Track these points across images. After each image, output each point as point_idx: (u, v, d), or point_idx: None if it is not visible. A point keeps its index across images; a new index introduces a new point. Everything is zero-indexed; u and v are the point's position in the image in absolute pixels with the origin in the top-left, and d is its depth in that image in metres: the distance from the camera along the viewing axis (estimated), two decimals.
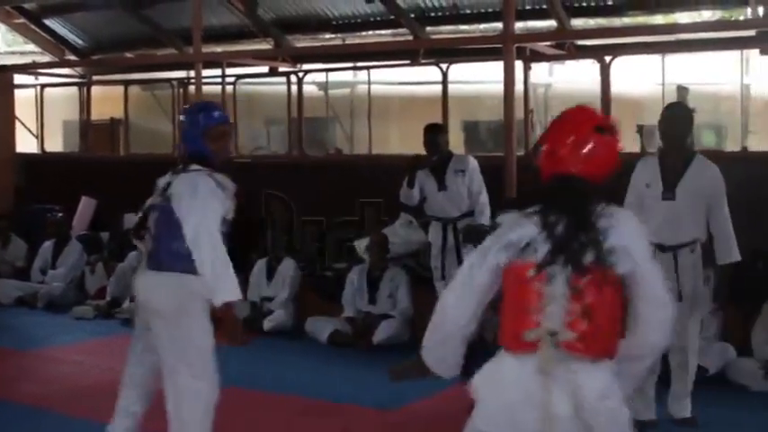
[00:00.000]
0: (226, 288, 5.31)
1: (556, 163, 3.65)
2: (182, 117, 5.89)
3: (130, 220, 13.04)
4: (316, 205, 11.92)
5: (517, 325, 3.58)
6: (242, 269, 11.48)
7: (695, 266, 6.84)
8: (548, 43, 11.83)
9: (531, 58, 11.52)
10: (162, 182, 5.64)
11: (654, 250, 6.24)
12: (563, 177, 3.63)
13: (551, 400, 3.44)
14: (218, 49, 14.54)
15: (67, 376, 8.15)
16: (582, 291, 3.47)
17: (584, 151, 3.61)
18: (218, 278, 5.28)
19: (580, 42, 12.38)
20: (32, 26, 16.60)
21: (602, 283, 3.47)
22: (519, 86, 10.54)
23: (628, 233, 3.54)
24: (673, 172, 6.84)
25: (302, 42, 14.57)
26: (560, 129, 3.74)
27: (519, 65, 10.60)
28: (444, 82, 11.85)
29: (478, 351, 8.52)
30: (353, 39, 14.29)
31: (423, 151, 9.13)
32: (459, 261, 8.97)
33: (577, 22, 12.18)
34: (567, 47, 12.15)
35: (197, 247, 5.27)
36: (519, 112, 10.68)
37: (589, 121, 3.70)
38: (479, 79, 13.98)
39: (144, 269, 5.61)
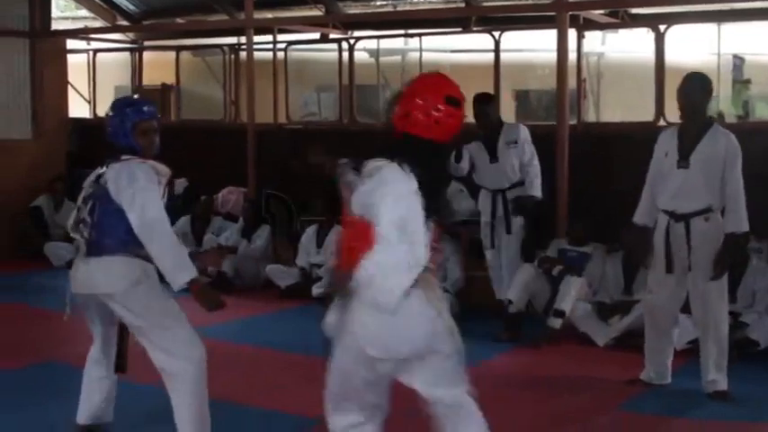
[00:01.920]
0: (185, 270, 5.33)
1: (408, 124, 4.18)
2: (110, 112, 5.83)
3: (181, 185, 13.21)
4: None
5: None
6: (292, 236, 11.55)
7: (708, 235, 6.78)
8: (601, 11, 11.69)
9: (585, 26, 11.39)
10: (93, 174, 5.63)
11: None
12: (413, 137, 4.19)
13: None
14: (269, 15, 14.52)
15: None
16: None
17: (433, 119, 4.15)
18: (176, 264, 5.32)
19: (634, 11, 12.21)
20: None
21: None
22: (571, 55, 10.44)
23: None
24: (689, 141, 6.83)
25: (353, 9, 14.52)
26: (416, 93, 4.22)
27: (572, 33, 10.48)
28: (496, 50, 11.76)
29: (524, 318, 8.54)
30: (405, 5, 14.23)
31: (473, 120, 9.08)
32: (508, 231, 8.97)
33: None
34: (620, 15, 11.99)
35: (150, 238, 5.30)
36: (571, 82, 10.59)
37: (442, 89, 4.21)
38: (531, 47, 13.87)
39: (83, 258, 5.55)
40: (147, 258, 5.40)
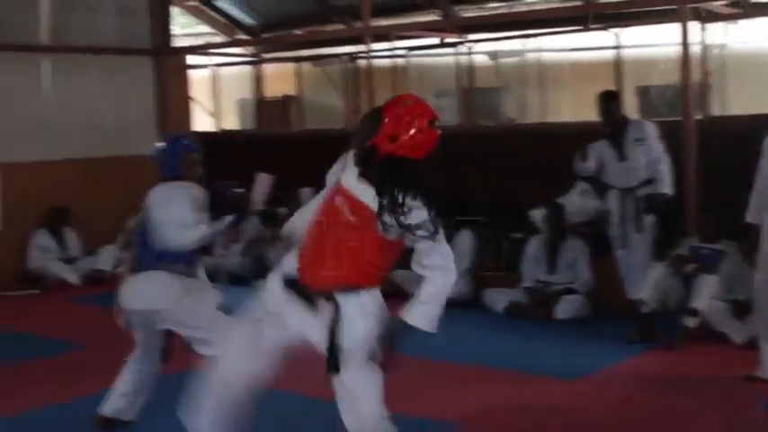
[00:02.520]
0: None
1: (396, 147, 4.38)
2: (160, 146, 6.53)
3: (307, 194, 13.33)
4: (489, 175, 11.86)
5: None
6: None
7: None
8: (723, 2, 11.49)
9: (706, 18, 11.21)
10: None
11: None
12: (397, 158, 4.39)
13: None
14: (387, 22, 14.59)
15: None
16: None
17: (418, 141, 4.40)
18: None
19: (756, 0, 11.98)
20: (204, 8, 16.98)
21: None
22: (694, 49, 10.27)
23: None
24: None
25: (470, 12, 14.51)
26: (402, 117, 4.41)
27: (694, 26, 10.32)
28: (617, 47, 11.63)
29: (657, 318, 8.42)
30: (521, 6, 14.16)
31: (595, 118, 9.01)
32: (639, 230, 8.85)
33: None
34: (742, 5, 11.77)
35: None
36: (695, 75, 10.42)
37: (425, 115, 4.44)
38: (651, 42, 13.68)
39: (129, 276, 6.15)
40: (188, 274, 6.01)
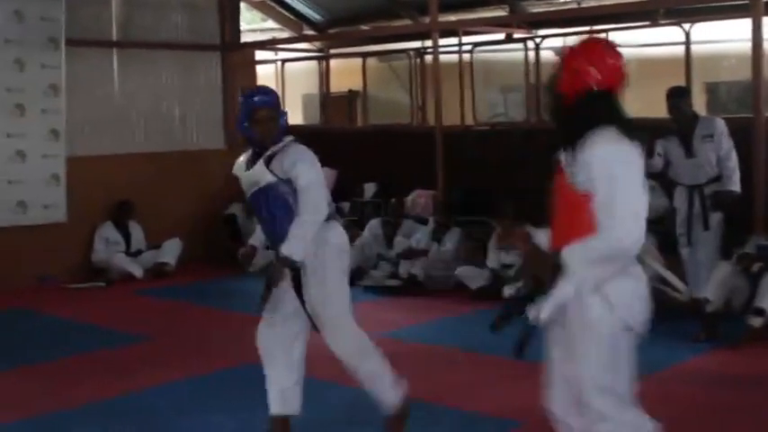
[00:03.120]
0: None
1: (579, 81, 4.09)
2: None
3: (370, 189, 13.35)
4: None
5: None
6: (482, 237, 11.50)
7: None
8: None
9: None
10: None
11: None
12: (590, 91, 4.09)
13: None
14: (454, 17, 14.53)
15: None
16: None
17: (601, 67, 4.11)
18: None
19: None
20: (271, 3, 17.04)
21: None
22: (766, 45, 10.08)
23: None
24: None
25: (538, 7, 14.42)
26: (575, 54, 4.14)
27: (766, 21, 10.13)
28: (687, 42, 11.47)
29: (722, 318, 8.24)
30: (590, 2, 14.04)
31: (663, 114, 8.88)
32: (706, 228, 8.71)
33: None
34: None
35: None
36: (766, 72, 10.23)
37: (598, 43, 4.31)
38: (721, 38, 13.48)
39: None
40: None
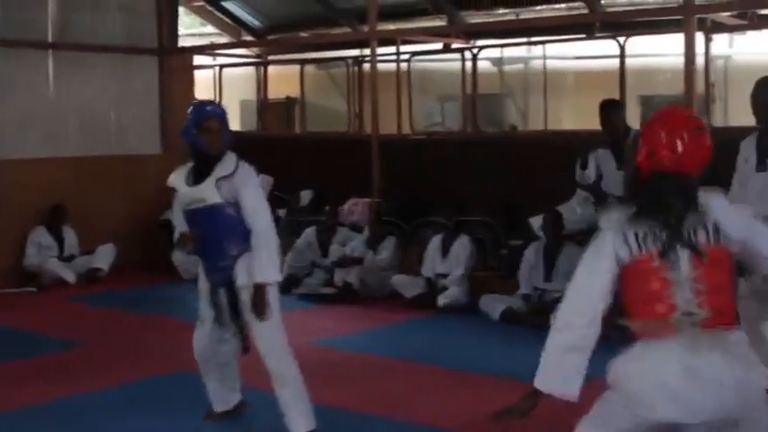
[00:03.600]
0: None
1: (653, 163, 3.87)
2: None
3: (306, 196, 13.34)
4: (490, 181, 11.84)
5: (650, 313, 3.76)
6: (417, 245, 11.53)
7: None
8: (729, 13, 11.47)
9: (712, 29, 11.18)
10: None
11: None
12: (661, 174, 3.85)
13: (722, 370, 3.61)
14: (392, 26, 14.59)
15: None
16: (704, 270, 3.71)
17: (678, 150, 3.85)
18: None
19: (763, 12, 11.95)
20: (210, 8, 16.99)
21: (719, 259, 3.75)
22: (698, 59, 10.25)
23: (719, 207, 3.83)
24: (766, 144, 6.72)
25: (476, 18, 14.51)
26: (656, 128, 3.92)
27: (699, 36, 10.29)
28: (622, 56, 11.61)
29: None
30: (528, 13, 14.16)
31: (598, 127, 8.97)
32: None
33: None
34: (749, 17, 11.75)
35: None
36: (698, 86, 10.39)
37: (685, 121, 3.99)
38: (656, 52, 13.67)
39: None
40: None
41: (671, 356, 3.67)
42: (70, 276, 12.44)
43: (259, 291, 5.84)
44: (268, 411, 6.23)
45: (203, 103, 6.47)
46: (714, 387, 3.61)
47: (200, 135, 5.96)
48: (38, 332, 9.86)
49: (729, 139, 10.39)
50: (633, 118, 12.76)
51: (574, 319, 3.97)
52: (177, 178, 6.12)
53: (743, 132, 10.39)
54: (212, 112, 6.09)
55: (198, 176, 6.00)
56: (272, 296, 5.94)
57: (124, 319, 10.60)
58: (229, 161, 5.94)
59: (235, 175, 5.87)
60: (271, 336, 5.96)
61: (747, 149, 6.89)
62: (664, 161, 3.85)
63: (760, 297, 6.83)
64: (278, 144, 14.71)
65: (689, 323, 3.69)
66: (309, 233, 12.05)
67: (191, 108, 6.27)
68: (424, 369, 8.00)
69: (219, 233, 5.94)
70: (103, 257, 12.87)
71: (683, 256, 3.71)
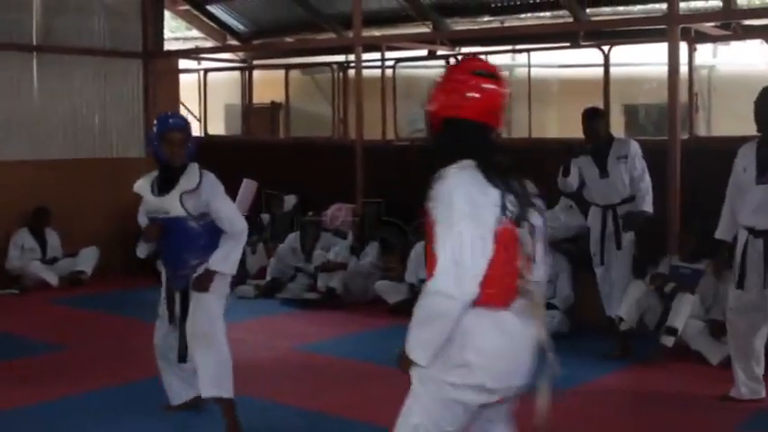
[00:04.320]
0: None
1: (441, 109, 3.83)
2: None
3: (290, 201, 13.33)
4: None
5: (506, 281, 3.65)
6: (401, 253, 11.54)
7: None
8: (713, 24, 11.52)
9: (696, 39, 11.23)
10: None
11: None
12: (452, 120, 3.79)
13: (540, 338, 3.74)
14: (377, 32, 14.60)
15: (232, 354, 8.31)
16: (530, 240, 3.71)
17: (464, 94, 3.75)
18: None
19: (747, 22, 12.01)
20: (196, 12, 16.98)
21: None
22: (682, 69, 10.29)
23: None
24: (766, 155, 6.78)
25: (460, 25, 14.53)
26: (443, 80, 3.87)
27: (683, 46, 10.33)
28: (606, 65, 11.65)
29: (635, 336, 8.33)
30: (512, 21, 14.19)
31: (582, 135, 9.02)
32: (618, 247, 8.86)
33: (744, 1, 11.84)
34: (733, 27, 11.81)
35: None
36: (682, 95, 10.43)
37: (468, 65, 3.86)
38: (640, 61, 13.71)
39: None
40: None
41: (519, 324, 3.69)
42: (53, 279, 12.42)
43: (208, 273, 6.24)
44: (261, 419, 6.28)
45: (167, 115, 6.71)
46: (529, 355, 3.72)
47: (163, 146, 6.25)
48: (19, 335, 9.85)
49: (713, 149, 10.52)
50: (617, 126, 12.84)
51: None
52: (143, 186, 6.45)
53: (726, 142, 10.53)
54: (174, 125, 6.37)
55: (162, 186, 6.29)
56: (222, 285, 6.33)
57: (106, 323, 10.61)
58: (192, 174, 6.23)
59: (200, 189, 6.18)
60: (207, 309, 6.28)
61: (746, 158, 6.95)
62: (451, 107, 3.83)
63: (750, 309, 6.91)
64: (263, 149, 14.71)
65: (523, 293, 3.71)
66: (293, 238, 12.06)
67: (156, 119, 6.62)
68: (406, 375, 8.01)
69: (181, 244, 6.29)
70: (86, 260, 12.86)
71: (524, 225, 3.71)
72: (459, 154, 3.70)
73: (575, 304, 9.76)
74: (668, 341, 8.31)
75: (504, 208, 3.62)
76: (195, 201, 6.18)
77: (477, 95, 3.75)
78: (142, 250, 6.76)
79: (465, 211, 3.52)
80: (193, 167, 6.28)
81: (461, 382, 3.64)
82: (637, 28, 12.15)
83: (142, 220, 6.59)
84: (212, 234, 6.27)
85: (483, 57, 13.66)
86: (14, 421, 6.86)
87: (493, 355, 3.63)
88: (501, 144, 3.91)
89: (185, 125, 6.47)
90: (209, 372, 6.25)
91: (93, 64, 14.00)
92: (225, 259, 6.25)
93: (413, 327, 3.60)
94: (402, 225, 12.00)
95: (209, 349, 6.25)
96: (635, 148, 8.91)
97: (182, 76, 15.80)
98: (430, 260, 3.61)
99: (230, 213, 6.26)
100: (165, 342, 6.61)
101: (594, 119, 8.95)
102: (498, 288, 3.60)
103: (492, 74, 3.81)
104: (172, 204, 6.21)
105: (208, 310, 6.28)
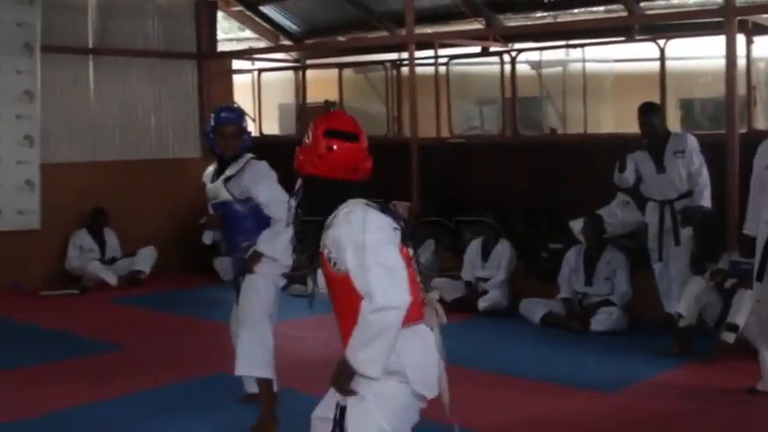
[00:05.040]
0: None
1: (298, 165, 4.05)
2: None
3: None
4: (530, 185, 11.82)
5: (415, 295, 3.94)
6: (456, 250, 11.50)
7: None
8: None
9: (754, 31, 11.07)
10: None
11: None
12: (309, 178, 4.03)
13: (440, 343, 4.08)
14: (430, 30, 14.56)
15: (290, 351, 8.31)
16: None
17: (316, 153, 3.97)
18: None
19: None
20: (248, 13, 17.02)
21: None
22: (740, 61, 10.16)
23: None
24: None
25: (514, 21, 14.45)
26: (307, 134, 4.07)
27: (740, 38, 10.20)
28: (662, 58, 11.54)
29: (695, 333, 8.29)
30: (566, 16, 14.08)
31: (638, 130, 8.93)
32: (677, 243, 8.76)
33: None
34: None
35: None
36: (740, 89, 10.31)
37: (323, 124, 4.06)
38: (696, 55, 13.57)
39: None
40: None
41: (431, 337, 4.04)
42: (112, 279, 12.54)
43: (254, 254, 6.49)
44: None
45: (221, 109, 7.07)
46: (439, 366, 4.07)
47: (217, 138, 6.60)
48: (79, 334, 9.95)
49: None
50: (673, 121, 12.71)
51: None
52: (207, 174, 6.86)
53: None
54: (226, 119, 6.68)
55: (217, 175, 6.68)
56: (269, 269, 6.54)
57: (164, 322, 10.69)
58: (240, 162, 6.58)
59: (241, 174, 6.53)
60: (252, 291, 6.54)
61: (766, 154, 7.01)
62: (305, 165, 4.04)
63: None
64: None
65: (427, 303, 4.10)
66: None
67: (213, 112, 6.96)
68: (464, 372, 7.98)
69: (231, 226, 6.69)
70: (145, 260, 12.97)
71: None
72: (334, 199, 3.96)
73: (633, 301, 9.68)
74: (729, 338, 8.21)
75: (398, 232, 3.98)
76: (237, 185, 6.52)
77: (329, 155, 3.97)
78: (207, 237, 7.38)
79: (378, 236, 3.83)
80: (244, 157, 6.62)
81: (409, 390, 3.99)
82: (693, 21, 12.01)
83: (209, 209, 6.96)
84: (259, 217, 6.53)
85: (536, 51, 13.65)
86: (71, 420, 6.93)
87: (426, 367, 4.02)
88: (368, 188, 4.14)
89: (238, 119, 6.75)
90: (245, 351, 6.48)
91: (147, 66, 14.13)
92: (269, 242, 6.46)
93: (359, 346, 3.79)
94: (457, 223, 11.94)
95: (248, 329, 6.50)
96: (692, 142, 8.81)
97: (235, 77, 15.89)
98: (345, 303, 3.89)
99: (269, 199, 6.46)
100: (236, 325, 6.84)
101: (651, 113, 8.86)
102: (414, 302, 3.87)
103: (346, 133, 4.05)
104: (220, 189, 6.60)
105: (253, 291, 6.54)
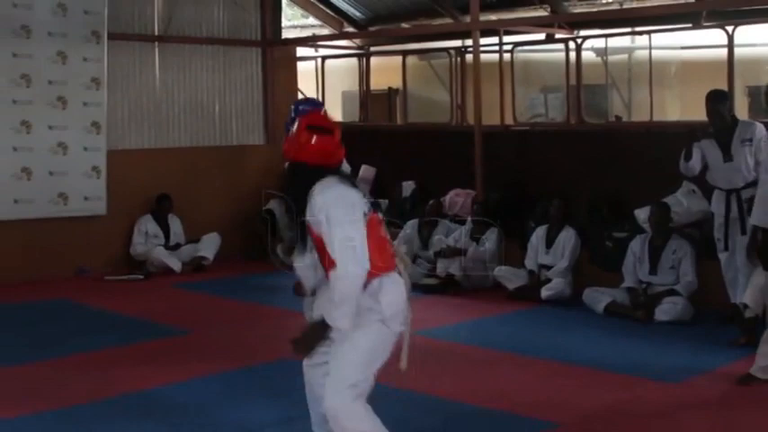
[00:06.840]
0: None
1: (284, 153, 5.10)
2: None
3: (408, 188, 13.36)
4: (594, 172, 11.73)
5: (385, 252, 4.94)
6: (520, 239, 11.45)
7: None
8: None
9: None
10: None
11: None
12: (293, 164, 5.03)
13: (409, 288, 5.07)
14: (494, 17, 14.50)
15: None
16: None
17: (298, 144, 4.98)
18: None
19: None
20: (312, 0, 17.08)
21: None
22: None
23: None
24: None
25: (579, 8, 14.36)
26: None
27: None
28: (730, 45, 11.38)
29: (761, 323, 8.19)
30: (632, 3, 13.97)
31: (703, 118, 8.83)
32: (743, 232, 8.64)
33: None
34: None
35: None
36: None
37: (304, 120, 5.05)
38: (764, 41, 13.38)
39: None
40: None
41: (401, 282, 4.99)
42: (176, 264, 12.65)
43: None
44: (381, 404, 6.29)
45: (300, 102, 7.18)
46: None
47: None
48: (144, 319, 10.05)
49: None
50: (741, 109, 12.54)
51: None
52: None
53: None
54: (303, 112, 6.64)
55: None
56: None
57: (228, 307, 10.77)
58: None
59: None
60: None
61: None
62: (289, 152, 5.05)
63: None
64: (380, 135, 14.75)
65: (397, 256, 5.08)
66: (411, 225, 12.06)
67: (293, 104, 6.96)
68: (527, 361, 7.98)
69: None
70: (209, 246, 13.06)
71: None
72: (311, 180, 4.89)
73: (698, 291, 9.58)
74: None
75: (366, 201, 4.93)
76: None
77: (309, 146, 4.93)
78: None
79: (344, 212, 4.74)
80: None
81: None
82: (761, 7, 11.83)
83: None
84: None
85: (601, 38, 13.52)
86: (134, 404, 7.01)
87: (398, 305, 4.92)
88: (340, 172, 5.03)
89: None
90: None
91: (212, 53, 14.21)
92: None
93: (333, 307, 4.69)
94: (521, 210, 11.90)
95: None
96: (761, 130, 8.69)
97: (299, 64, 15.91)
98: (328, 263, 4.78)
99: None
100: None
101: (719, 102, 8.76)
102: (384, 257, 4.88)
103: (323, 128, 5.01)
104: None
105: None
